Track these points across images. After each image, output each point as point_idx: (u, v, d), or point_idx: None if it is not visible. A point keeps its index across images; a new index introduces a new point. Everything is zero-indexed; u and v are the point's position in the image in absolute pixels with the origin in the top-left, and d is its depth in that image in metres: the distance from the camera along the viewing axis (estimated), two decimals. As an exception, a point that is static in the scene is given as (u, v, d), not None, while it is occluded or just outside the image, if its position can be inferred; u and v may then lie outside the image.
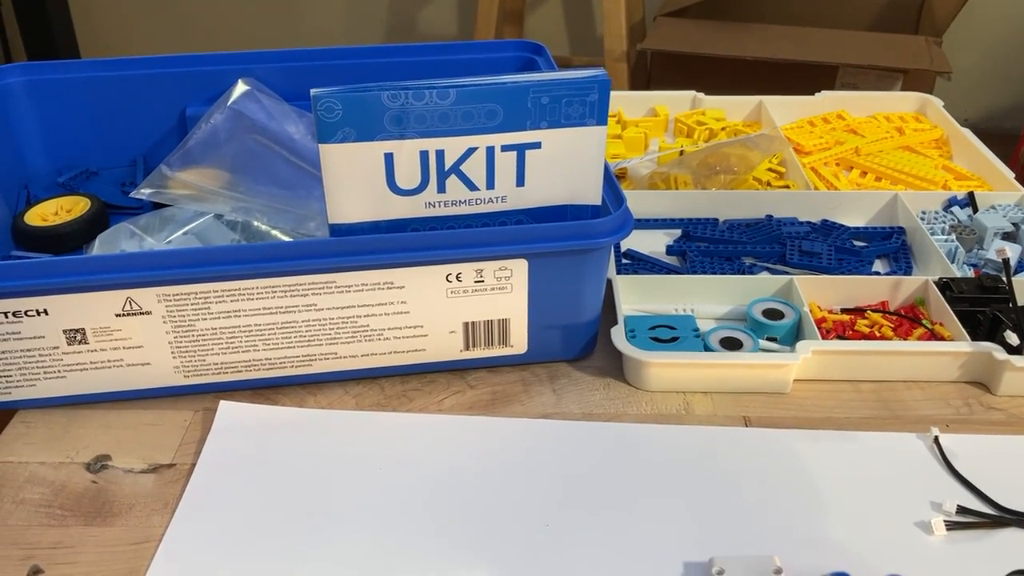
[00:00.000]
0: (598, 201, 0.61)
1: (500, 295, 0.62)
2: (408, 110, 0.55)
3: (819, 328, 0.68)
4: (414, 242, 0.58)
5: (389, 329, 0.63)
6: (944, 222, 0.81)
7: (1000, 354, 0.62)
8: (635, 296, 0.72)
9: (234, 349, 0.62)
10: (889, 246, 0.79)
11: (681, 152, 0.94)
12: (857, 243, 0.80)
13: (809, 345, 0.64)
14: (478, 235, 0.59)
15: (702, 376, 0.64)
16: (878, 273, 0.76)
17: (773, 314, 0.69)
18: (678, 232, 0.83)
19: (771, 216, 0.83)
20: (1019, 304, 0.65)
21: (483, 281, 0.62)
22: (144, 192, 0.77)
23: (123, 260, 0.58)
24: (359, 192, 0.57)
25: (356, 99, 0.54)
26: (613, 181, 0.63)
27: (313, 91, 0.54)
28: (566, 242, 0.60)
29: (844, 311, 0.71)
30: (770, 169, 0.90)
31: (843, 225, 0.82)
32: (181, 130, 0.89)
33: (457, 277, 0.61)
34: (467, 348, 0.65)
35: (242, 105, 0.84)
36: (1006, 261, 0.65)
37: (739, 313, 0.71)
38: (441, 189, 0.58)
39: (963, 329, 0.65)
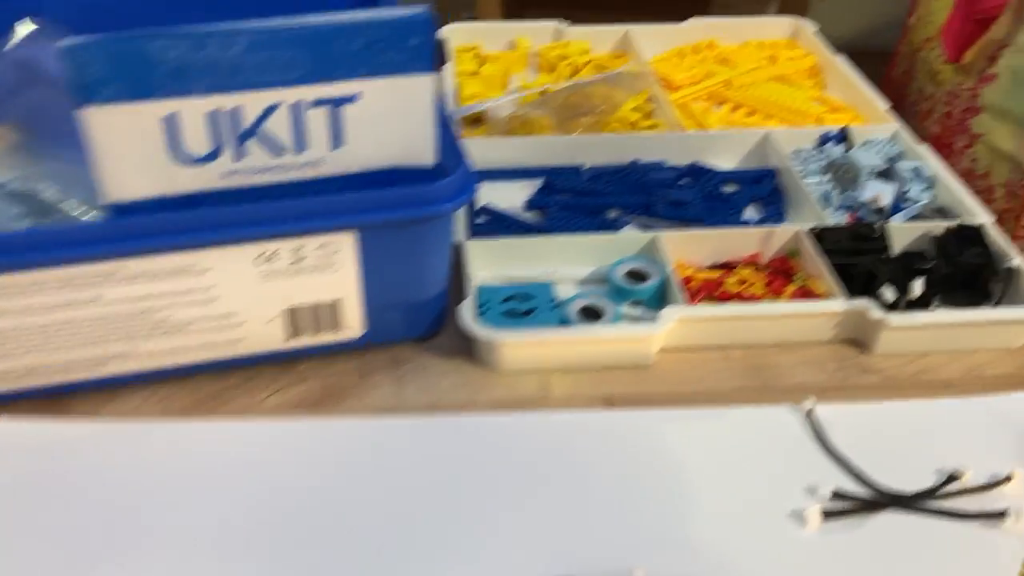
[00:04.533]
0: (431, 161, 0.53)
1: (326, 274, 0.54)
2: (189, 62, 0.45)
3: (686, 288, 0.62)
4: (208, 220, 0.49)
5: (195, 320, 0.54)
6: (818, 161, 0.76)
7: (875, 312, 0.58)
8: (489, 262, 0.65)
9: (5, 355, 0.52)
10: (761, 190, 0.73)
11: (543, 92, 0.86)
12: (728, 188, 0.75)
13: (672, 313, 0.58)
14: (286, 208, 0.50)
15: (559, 353, 0.57)
16: (747, 223, 0.70)
17: (637, 276, 0.62)
18: (540, 182, 0.75)
19: (637, 161, 0.76)
20: (894, 255, 0.61)
21: (304, 260, 0.53)
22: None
23: None
24: (137, 163, 0.48)
25: (121, 50, 0.44)
26: (452, 136, 0.55)
27: (63, 42, 0.43)
28: (396, 212, 0.52)
29: (713, 267, 0.65)
30: (637, 108, 0.83)
31: (713, 169, 0.76)
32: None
33: (270, 257, 0.52)
34: (292, 336, 0.56)
35: (28, 51, 0.71)
36: (880, 211, 0.60)
37: (603, 275, 0.64)
38: (240, 155, 0.49)
39: (837, 285, 0.60)
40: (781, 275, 0.63)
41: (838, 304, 0.58)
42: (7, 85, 0.70)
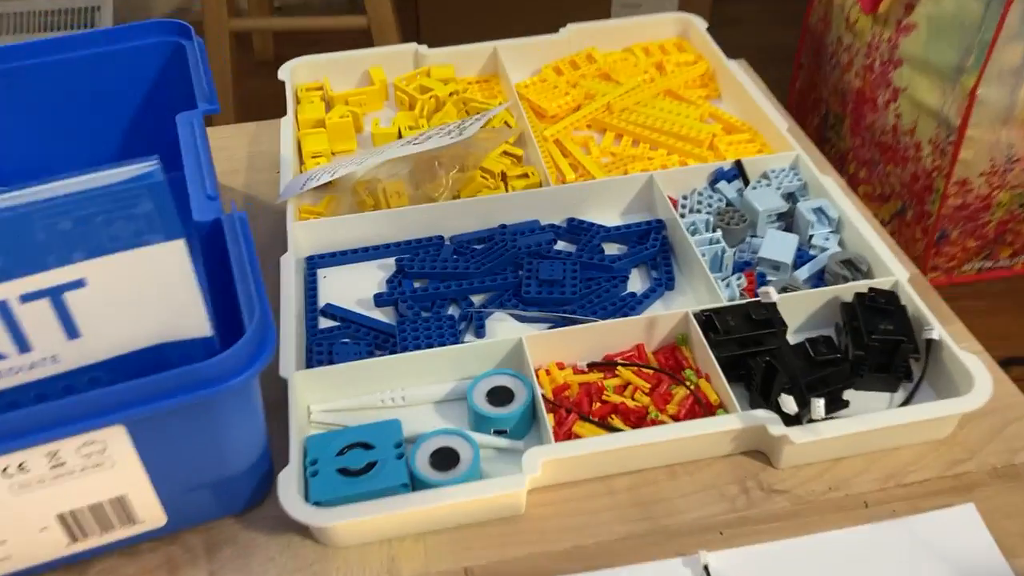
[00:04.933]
0: (206, 332, 0.42)
1: (98, 472, 0.43)
2: None
3: (560, 400, 0.53)
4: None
5: (-59, 548, 0.43)
6: (710, 206, 0.66)
7: (776, 427, 0.49)
8: (326, 392, 0.54)
9: None
10: (646, 252, 0.64)
11: (399, 134, 0.75)
12: (610, 250, 0.65)
13: (536, 457, 0.48)
14: (12, 420, 0.39)
15: (409, 520, 0.48)
16: (632, 298, 0.61)
17: (500, 395, 0.53)
18: (392, 263, 0.65)
19: (505, 226, 0.66)
20: (796, 343, 0.52)
21: (64, 464, 0.42)
22: None
23: None
24: None
25: None
26: (248, 281, 0.44)
27: None
28: (167, 399, 0.41)
29: (592, 366, 0.56)
30: (506, 152, 0.73)
31: (593, 226, 0.66)
32: None
33: (18, 468, 0.41)
34: (76, 540, 0.46)
35: None
36: (772, 307, 0.51)
37: (463, 391, 0.55)
38: (-62, 370, 0.38)
39: (729, 389, 0.51)
40: (668, 374, 0.54)
41: (733, 421, 0.49)
42: None
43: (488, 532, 0.48)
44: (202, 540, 0.49)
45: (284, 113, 0.76)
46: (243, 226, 0.50)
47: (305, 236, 0.64)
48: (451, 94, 0.79)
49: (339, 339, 0.59)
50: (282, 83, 0.80)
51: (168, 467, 0.45)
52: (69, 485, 0.43)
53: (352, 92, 0.81)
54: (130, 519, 0.47)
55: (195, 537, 0.49)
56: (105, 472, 0.44)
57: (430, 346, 0.56)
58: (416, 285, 0.63)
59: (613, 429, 0.51)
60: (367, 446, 0.50)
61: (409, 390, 0.55)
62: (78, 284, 0.37)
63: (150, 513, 0.47)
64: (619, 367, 0.55)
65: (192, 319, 0.41)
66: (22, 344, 0.38)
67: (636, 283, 0.63)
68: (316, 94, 0.81)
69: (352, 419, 0.54)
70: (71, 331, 0.39)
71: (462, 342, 0.57)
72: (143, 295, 0.39)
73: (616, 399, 0.53)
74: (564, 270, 0.61)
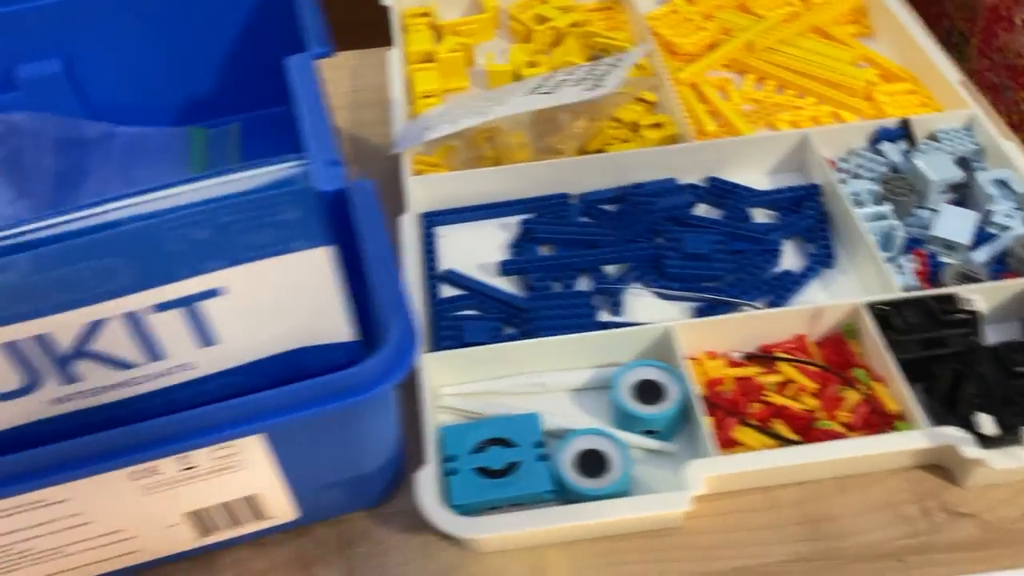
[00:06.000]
0: (347, 337, 0.37)
1: (231, 474, 0.40)
2: (-55, 298, 0.30)
3: (714, 398, 0.48)
4: (35, 463, 0.35)
5: (68, 545, 0.40)
6: (872, 171, 0.59)
7: (971, 449, 0.43)
8: (457, 374, 0.50)
9: None
10: (800, 221, 0.57)
11: (516, 73, 0.68)
12: (757, 216, 0.59)
13: (700, 471, 0.43)
14: (146, 431, 0.35)
15: (556, 528, 0.44)
16: (789, 273, 0.55)
17: (650, 391, 0.48)
18: (514, 222, 0.59)
19: (640, 185, 0.60)
20: (987, 344, 0.46)
21: (195, 467, 0.39)
22: None
23: None
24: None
25: None
26: (391, 283, 0.39)
27: None
28: (306, 409, 0.37)
29: (748, 357, 0.50)
30: (639, 98, 0.66)
31: (737, 188, 0.59)
32: None
33: (147, 473, 0.38)
34: (205, 534, 0.43)
35: None
36: (976, 316, 0.45)
37: (604, 380, 0.50)
38: (68, 379, 0.34)
39: (914, 400, 0.45)
40: (837, 374, 0.48)
41: (920, 439, 0.44)
42: None
43: (640, 544, 0.44)
44: (334, 534, 0.46)
45: (379, 41, 0.70)
46: (372, 200, 0.45)
47: (423, 192, 0.59)
48: (571, 25, 0.72)
49: (464, 311, 0.54)
50: (383, 9, 0.73)
51: (302, 468, 0.42)
52: (199, 486, 0.40)
53: (462, 21, 0.74)
54: (260, 515, 0.43)
55: (326, 531, 0.46)
56: (237, 473, 0.40)
57: (565, 326, 0.51)
58: (542, 250, 0.58)
59: (779, 438, 0.46)
60: (506, 442, 0.46)
61: (545, 376, 0.50)
62: (215, 292, 0.33)
63: (281, 510, 0.44)
64: (777, 360, 0.50)
65: (333, 324, 0.36)
66: (155, 352, 0.34)
67: (789, 258, 0.57)
68: (422, 22, 0.74)
69: (483, 404, 0.50)
70: (207, 338, 0.35)
71: (597, 320, 0.52)
72: (283, 302, 0.35)
73: (779, 400, 0.48)
74: (712, 243, 0.55)
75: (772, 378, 0.49)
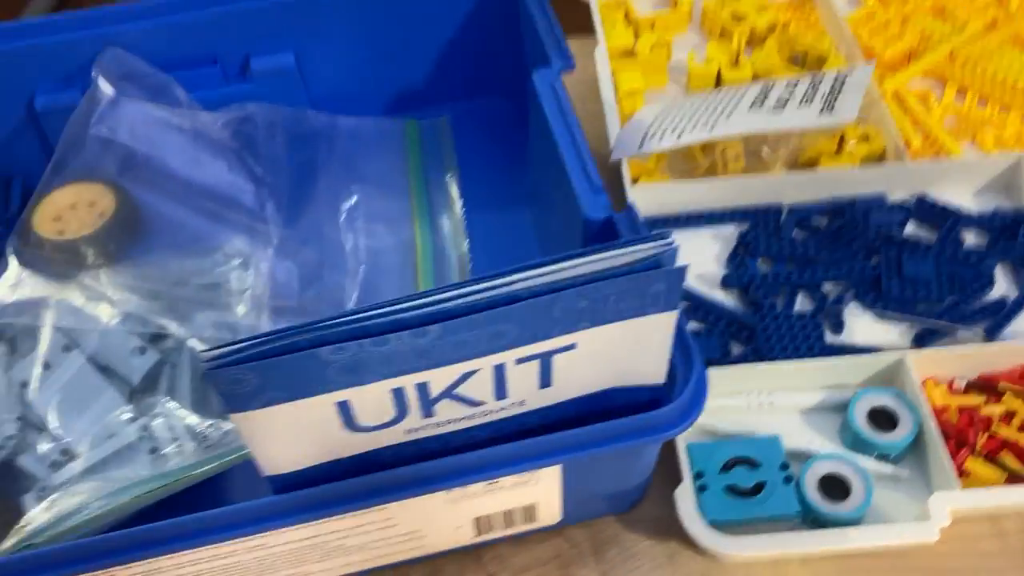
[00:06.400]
0: (660, 381, 0.41)
1: (523, 488, 0.44)
2: (366, 357, 0.33)
3: (944, 429, 0.51)
4: (381, 487, 0.39)
5: (373, 542, 0.45)
6: (1086, 199, 0.60)
7: None
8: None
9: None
10: (1016, 248, 0.59)
11: (717, 80, 0.70)
12: (968, 237, 0.60)
13: (944, 505, 0.47)
14: (478, 459, 0.39)
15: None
16: (1003, 303, 0.57)
17: (883, 418, 0.51)
18: (728, 231, 0.62)
19: (854, 202, 0.61)
20: None
21: (498, 484, 0.43)
22: (2, 294, 0.54)
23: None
24: (302, 443, 0.37)
25: (277, 366, 0.32)
26: (683, 338, 0.42)
27: (204, 355, 0.32)
28: (610, 444, 0.41)
29: (970, 387, 0.53)
30: (842, 108, 0.67)
31: (947, 211, 0.61)
32: (34, 128, 0.64)
33: (461, 493, 0.42)
34: (480, 534, 0.48)
35: (112, 119, 0.58)
36: None
37: (835, 403, 0.53)
38: (428, 413, 0.38)
39: None
40: (1062, 408, 0.51)
41: None
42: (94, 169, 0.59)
43: (878, 564, 0.48)
44: (587, 536, 0.50)
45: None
46: (640, 229, 0.48)
47: (641, 199, 0.62)
48: (768, 25, 0.73)
49: (689, 325, 0.57)
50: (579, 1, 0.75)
51: (580, 484, 0.46)
52: (493, 499, 0.44)
53: (658, 15, 0.75)
54: (531, 519, 0.48)
55: (580, 533, 0.50)
56: (528, 488, 0.44)
57: (795, 347, 0.55)
58: (759, 264, 0.60)
59: (1011, 471, 0.49)
60: (751, 463, 0.50)
61: (775, 395, 0.54)
62: (570, 348, 0.36)
63: (550, 515, 0.48)
64: (1004, 391, 0.52)
65: (654, 371, 0.40)
66: (501, 394, 0.38)
67: (1002, 284, 0.58)
68: (617, 15, 0.75)
69: (715, 419, 0.53)
70: (545, 382, 0.38)
71: (824, 340, 0.55)
72: (621, 354, 0.38)
73: (1007, 433, 0.51)
74: (930, 267, 0.57)
75: (996, 409, 0.52)
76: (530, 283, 0.33)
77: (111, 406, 0.51)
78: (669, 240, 0.34)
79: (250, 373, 0.32)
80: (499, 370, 0.36)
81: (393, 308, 0.33)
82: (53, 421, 0.51)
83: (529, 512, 0.47)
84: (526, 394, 0.39)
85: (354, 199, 0.63)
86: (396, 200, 0.65)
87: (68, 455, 0.50)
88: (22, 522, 0.47)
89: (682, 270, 0.34)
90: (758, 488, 0.49)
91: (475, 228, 0.63)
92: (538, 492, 0.45)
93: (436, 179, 0.66)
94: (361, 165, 0.66)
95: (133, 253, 0.58)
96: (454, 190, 0.65)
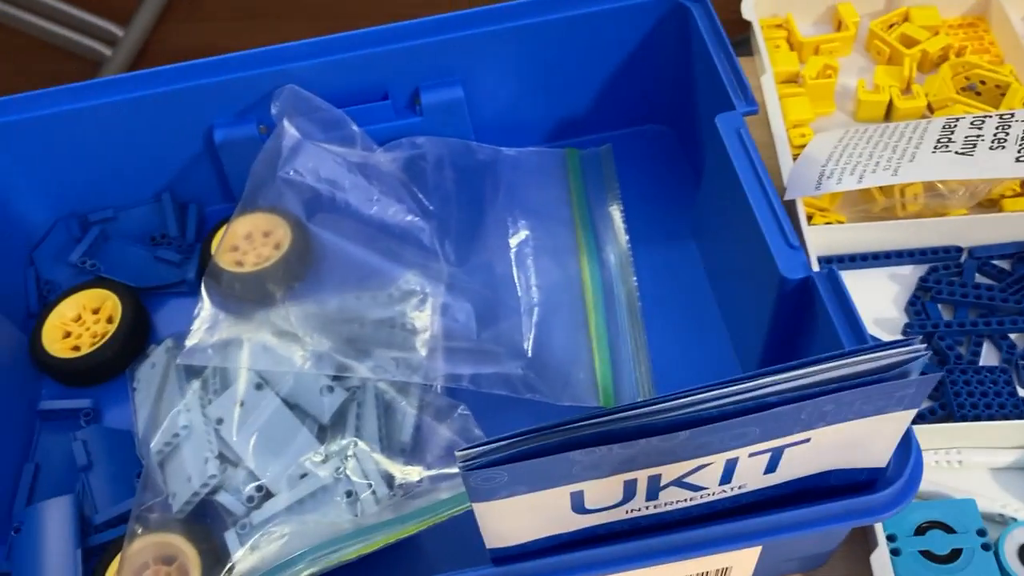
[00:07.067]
0: (883, 464, 0.40)
1: (722, 557, 0.45)
2: (612, 458, 0.34)
3: None
4: (594, 562, 0.40)
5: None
6: None
7: None
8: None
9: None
10: None
11: (888, 109, 0.68)
12: None
13: None
14: (686, 540, 0.40)
15: (999, 619, 0.47)
16: None
17: (1084, 484, 0.50)
18: (905, 272, 0.61)
19: (1034, 246, 0.59)
20: None
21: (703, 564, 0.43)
22: (200, 336, 0.56)
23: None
24: (530, 523, 0.38)
25: (528, 466, 0.33)
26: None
27: (459, 455, 0.33)
28: (822, 526, 0.40)
29: None
30: None
31: None
32: (211, 159, 0.67)
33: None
34: (669, 590, 0.48)
35: (298, 159, 0.60)
36: None
37: (1021, 460, 0.52)
38: (653, 498, 0.38)
39: None
40: None
41: None
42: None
43: (1076, 639, 0.47)
44: (774, 596, 0.50)
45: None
46: (840, 288, 0.47)
47: (817, 240, 0.61)
48: (941, 49, 0.70)
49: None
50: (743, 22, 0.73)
51: (777, 553, 0.46)
52: (693, 564, 0.45)
53: (824, 38, 0.73)
54: (721, 578, 0.48)
55: (766, 591, 0.50)
56: (727, 556, 0.45)
57: (986, 404, 0.53)
58: (940, 310, 0.59)
59: None
60: (947, 528, 0.49)
61: (964, 453, 0.53)
62: (804, 441, 0.36)
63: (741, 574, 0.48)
64: None
65: (878, 458, 0.39)
66: (727, 481, 0.38)
67: None
68: (779, 36, 0.73)
69: (901, 475, 0.52)
70: (771, 470, 0.38)
71: (1017, 396, 0.54)
72: (851, 445, 0.38)
73: None
74: None
75: None
76: (780, 387, 0.33)
77: (305, 446, 0.53)
78: (920, 347, 0.33)
79: (502, 472, 0.33)
80: (731, 463, 0.36)
81: (641, 411, 0.33)
82: (251, 460, 0.53)
83: (722, 573, 0.47)
84: (749, 479, 0.39)
85: (523, 234, 0.64)
86: (562, 233, 0.65)
87: (263, 493, 0.52)
88: (230, 562, 0.50)
89: (936, 377, 0.34)
90: (954, 555, 0.48)
91: (641, 261, 0.63)
92: (736, 560, 0.45)
93: (599, 210, 0.66)
94: (524, 196, 0.67)
95: (311, 288, 0.60)
96: (618, 221, 0.65)
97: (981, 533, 0.48)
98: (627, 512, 0.39)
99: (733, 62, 0.58)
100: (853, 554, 0.49)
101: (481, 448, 0.33)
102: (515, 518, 0.38)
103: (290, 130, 0.60)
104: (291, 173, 0.59)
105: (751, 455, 0.36)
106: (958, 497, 0.51)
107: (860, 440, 0.38)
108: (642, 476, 0.36)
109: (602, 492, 0.37)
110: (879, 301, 0.60)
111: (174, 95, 0.63)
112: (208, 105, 0.64)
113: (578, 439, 0.33)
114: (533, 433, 0.33)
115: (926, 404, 0.55)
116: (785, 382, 0.33)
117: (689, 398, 0.33)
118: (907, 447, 0.41)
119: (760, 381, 0.33)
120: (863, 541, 0.49)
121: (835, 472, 0.41)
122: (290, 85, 0.62)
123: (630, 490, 0.37)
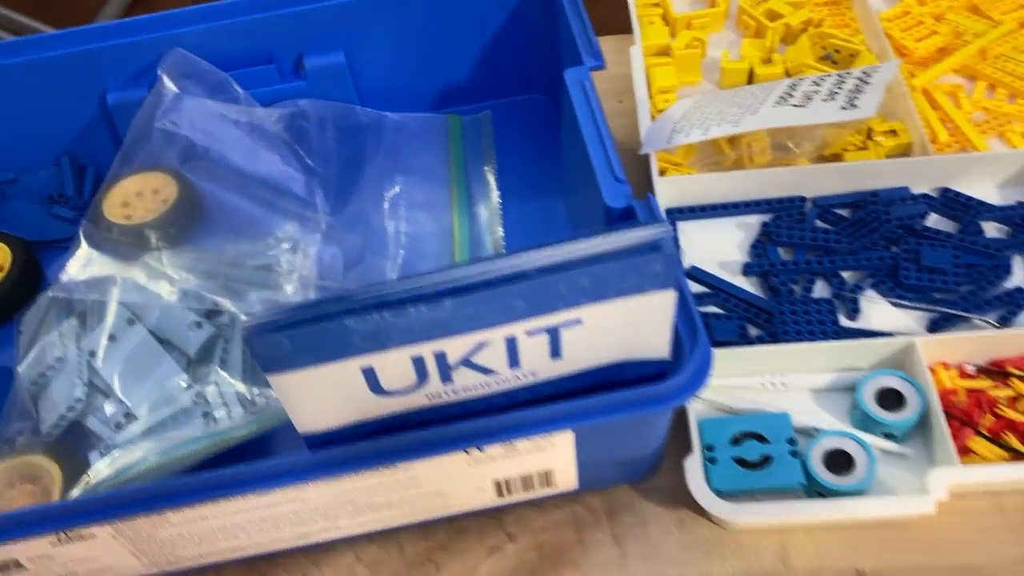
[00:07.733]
0: (667, 356, 0.44)
1: (539, 454, 0.48)
2: (387, 326, 0.37)
3: (948, 410, 0.53)
4: (406, 446, 0.43)
5: (401, 500, 0.49)
6: (1108, 192, 0.61)
7: None
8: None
9: (208, 543, 0.49)
10: (1034, 240, 0.60)
11: (750, 78, 0.72)
12: (990, 229, 0.62)
13: (942, 480, 0.49)
14: (494, 423, 0.43)
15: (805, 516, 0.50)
16: (1021, 290, 0.58)
17: (891, 399, 0.53)
18: (753, 221, 0.64)
19: (876, 193, 0.63)
20: None
21: (516, 449, 0.47)
22: (74, 272, 0.59)
23: (55, 511, 0.44)
24: (333, 404, 0.41)
25: (307, 333, 0.37)
26: (688, 311, 0.45)
27: (243, 323, 0.37)
28: (618, 412, 0.44)
29: (980, 371, 0.55)
30: (869, 103, 0.69)
31: (971, 201, 0.63)
32: (106, 122, 0.70)
33: (481, 451, 0.46)
34: (501, 496, 0.51)
35: (175, 114, 0.64)
36: None
37: (845, 383, 0.55)
38: (446, 380, 0.42)
39: None
40: (1069, 393, 0.53)
41: None
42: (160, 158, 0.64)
43: (879, 535, 0.50)
44: (602, 503, 0.53)
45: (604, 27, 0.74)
46: (657, 215, 0.51)
47: (668, 191, 0.65)
48: (803, 23, 0.75)
49: (709, 308, 0.60)
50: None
51: (593, 453, 0.49)
52: (511, 462, 0.48)
53: (695, 14, 0.77)
54: (549, 484, 0.51)
55: (596, 500, 0.54)
56: (543, 454, 0.48)
57: (809, 331, 0.57)
58: (781, 252, 0.63)
59: (1012, 450, 0.51)
60: (760, 438, 0.52)
61: (789, 376, 0.56)
62: (576, 322, 0.40)
63: (566, 481, 0.51)
64: (1012, 375, 0.54)
65: (658, 347, 0.43)
66: (515, 363, 0.42)
67: (1020, 274, 0.60)
68: (655, 13, 0.78)
69: (730, 398, 0.56)
70: (555, 354, 0.42)
71: (838, 325, 0.57)
72: (625, 330, 0.41)
73: (1011, 414, 0.52)
74: (948, 257, 0.59)
75: (1004, 392, 0.54)
76: (537, 262, 0.36)
77: (169, 374, 0.56)
78: (666, 226, 0.37)
79: (284, 339, 0.36)
80: (511, 341, 0.40)
81: (412, 283, 0.36)
82: (117, 387, 0.56)
83: (546, 477, 0.50)
84: (537, 365, 0.42)
85: (397, 188, 0.68)
86: (437, 190, 0.69)
87: (130, 418, 0.55)
88: (88, 474, 0.53)
89: (676, 253, 0.37)
90: (765, 461, 0.51)
91: (511, 217, 0.67)
92: (554, 458, 0.48)
93: (475, 171, 0.70)
94: (405, 157, 0.70)
95: (193, 237, 0.63)
96: (492, 181, 0.69)
97: (791, 442, 0.52)
98: (428, 398, 0.42)
99: (584, 24, 0.62)
100: (676, 469, 0.52)
101: (263, 319, 0.36)
102: (317, 399, 0.41)
103: (169, 84, 0.63)
104: (168, 124, 0.63)
105: (529, 334, 0.40)
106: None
107: (634, 327, 0.41)
108: (427, 352, 0.39)
109: (393, 371, 0.40)
110: (726, 245, 0.64)
111: (67, 59, 0.66)
112: (102, 69, 0.67)
113: (352, 308, 0.36)
114: (313, 303, 0.37)
115: (756, 333, 0.58)
116: (543, 259, 0.36)
117: (453, 271, 0.36)
118: (694, 338, 0.44)
119: (519, 256, 0.37)
120: (685, 457, 0.52)
121: (625, 365, 0.44)
122: (177, 48, 0.66)
123: (421, 370, 0.40)
